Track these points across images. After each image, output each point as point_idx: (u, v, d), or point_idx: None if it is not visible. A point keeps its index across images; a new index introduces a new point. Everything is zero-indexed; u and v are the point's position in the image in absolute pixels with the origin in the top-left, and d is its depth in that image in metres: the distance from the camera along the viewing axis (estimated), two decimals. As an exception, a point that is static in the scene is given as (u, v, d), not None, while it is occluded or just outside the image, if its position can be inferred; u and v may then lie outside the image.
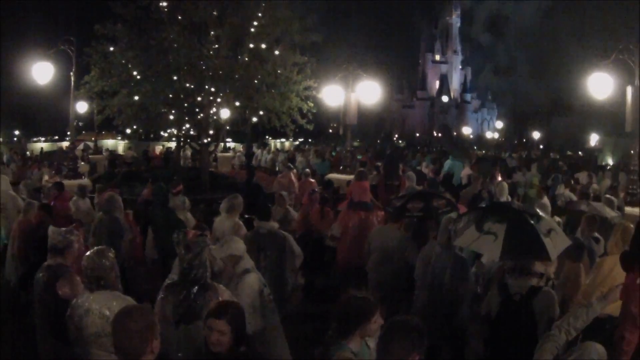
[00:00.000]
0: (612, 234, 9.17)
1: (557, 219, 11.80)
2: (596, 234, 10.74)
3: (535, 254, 7.34)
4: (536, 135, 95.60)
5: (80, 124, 39.00)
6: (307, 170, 23.28)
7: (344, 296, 5.63)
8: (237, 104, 23.32)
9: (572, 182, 22.08)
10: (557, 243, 7.49)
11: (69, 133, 26.33)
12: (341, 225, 13.19)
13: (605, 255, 9.39)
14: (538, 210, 8.05)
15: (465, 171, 22.21)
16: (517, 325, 6.90)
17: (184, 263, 6.51)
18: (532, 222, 7.50)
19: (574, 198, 17.50)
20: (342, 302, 5.47)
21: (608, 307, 6.73)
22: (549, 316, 6.79)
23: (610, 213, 12.36)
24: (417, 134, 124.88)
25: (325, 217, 14.09)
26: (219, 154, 36.51)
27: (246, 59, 22.02)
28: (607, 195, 15.55)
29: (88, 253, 6.38)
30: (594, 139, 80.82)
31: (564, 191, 19.17)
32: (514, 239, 7.31)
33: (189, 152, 33.93)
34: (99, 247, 6.63)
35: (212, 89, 22.22)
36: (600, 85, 19.39)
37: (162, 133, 45.99)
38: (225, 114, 24.65)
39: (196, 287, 6.44)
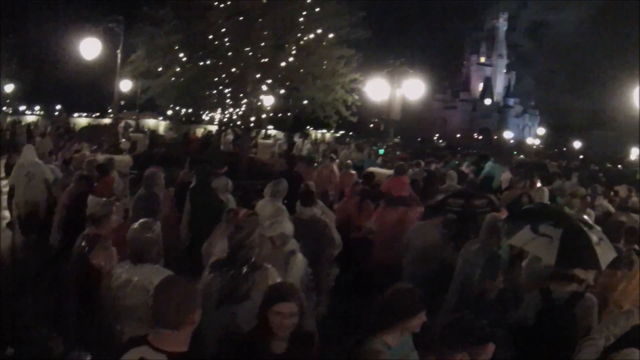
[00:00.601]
0: None
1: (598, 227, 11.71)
2: (636, 246, 10.63)
3: (589, 263, 7.35)
4: (576, 145, 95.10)
5: (123, 102, 39.30)
6: (349, 162, 23.23)
7: (392, 287, 5.44)
8: (282, 92, 23.38)
9: (612, 194, 21.86)
10: (605, 252, 7.46)
11: (110, 110, 26.57)
12: (378, 219, 13.09)
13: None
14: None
15: (505, 175, 22.10)
16: (557, 330, 6.85)
17: (233, 242, 6.53)
18: (585, 229, 7.48)
19: (612, 210, 17.34)
20: (389, 292, 5.35)
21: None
22: (588, 322, 6.76)
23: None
24: (458, 135, 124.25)
25: (364, 210, 14.03)
26: (260, 141, 36.50)
27: (293, 48, 22.03)
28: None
29: (134, 225, 6.44)
30: (634, 153, 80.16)
31: (602, 202, 18.96)
32: (570, 245, 7.28)
33: (230, 137, 34.02)
34: (145, 219, 6.65)
35: (257, 76, 22.25)
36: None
37: (203, 117, 46.10)
38: (268, 101, 24.72)
39: (245, 267, 6.44)
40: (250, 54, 21.60)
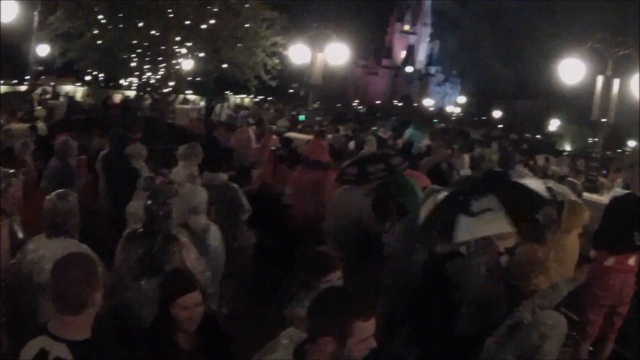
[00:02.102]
0: (565, 213, 9.10)
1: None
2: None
3: (538, 204, 7.15)
4: (498, 114, 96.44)
5: (40, 68, 38.33)
6: (272, 126, 23.02)
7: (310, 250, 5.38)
8: (202, 55, 23.04)
9: (532, 162, 22.10)
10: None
11: (27, 77, 25.90)
12: (295, 183, 12.92)
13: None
14: None
15: (426, 141, 22.10)
16: (431, 290, 6.81)
17: (149, 212, 6.22)
18: (513, 180, 7.30)
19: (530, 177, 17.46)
20: (307, 255, 5.29)
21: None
22: (460, 284, 6.66)
23: (571, 196, 12.23)
24: (378, 102, 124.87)
25: (279, 175, 13.89)
26: (178, 106, 36.00)
27: (215, 9, 21.68)
28: (570, 179, 15.53)
29: (49, 196, 6.06)
30: (554, 125, 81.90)
31: (521, 170, 19.12)
32: (514, 201, 7.08)
33: (147, 102, 33.46)
34: (61, 190, 6.24)
35: (178, 38, 21.87)
36: (571, 71, 19.58)
37: (122, 82, 45.34)
38: (188, 65, 24.37)
39: (160, 238, 6.13)
40: (171, 15, 21.19)
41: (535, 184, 7.07)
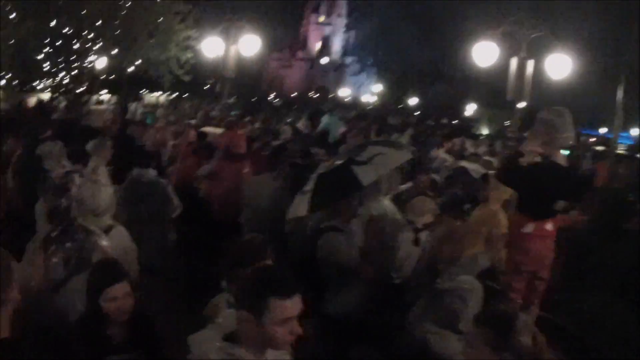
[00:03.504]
0: (490, 187, 9.28)
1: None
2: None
3: (344, 190, 7.29)
4: (414, 101, 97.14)
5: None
6: (191, 121, 22.88)
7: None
8: (115, 51, 22.82)
9: (449, 145, 22.32)
10: (383, 164, 7.43)
11: None
12: (213, 176, 12.85)
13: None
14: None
15: (341, 129, 22.18)
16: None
17: (50, 205, 6.09)
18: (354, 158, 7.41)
19: (449, 159, 17.66)
20: (234, 246, 5.17)
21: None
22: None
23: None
24: (294, 94, 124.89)
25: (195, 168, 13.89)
26: (92, 107, 35.55)
27: (127, 4, 21.49)
28: (485, 157, 15.78)
29: None
30: (471, 109, 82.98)
31: (439, 153, 19.34)
32: (323, 186, 7.19)
33: (62, 104, 32.97)
34: None
35: (91, 35, 21.62)
36: (485, 53, 19.88)
37: (38, 86, 44.61)
38: (101, 63, 24.11)
39: (79, 234, 5.94)
40: (84, 11, 20.90)
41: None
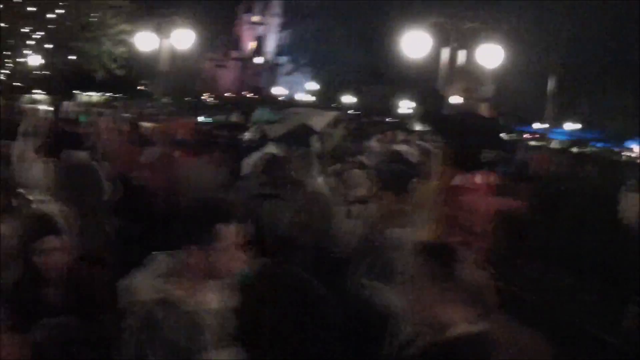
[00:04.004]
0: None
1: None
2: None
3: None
4: (347, 99, 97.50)
5: None
6: (125, 115, 22.74)
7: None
8: (49, 46, 22.56)
9: (381, 136, 22.55)
10: (295, 118, 7.68)
11: None
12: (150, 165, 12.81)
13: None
14: None
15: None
16: None
17: None
18: None
19: (378, 149, 17.92)
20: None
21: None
22: None
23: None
24: (228, 94, 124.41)
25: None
26: (25, 106, 35.01)
27: (61, -1, 21.28)
28: (419, 142, 15.98)
29: None
30: (404, 106, 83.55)
31: (370, 143, 19.63)
32: None
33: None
34: None
35: (26, 30, 21.32)
36: (416, 44, 20.00)
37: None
38: (35, 60, 23.84)
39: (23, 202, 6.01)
40: (18, 4, 20.64)
41: None
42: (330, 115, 10.24)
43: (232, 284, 3.55)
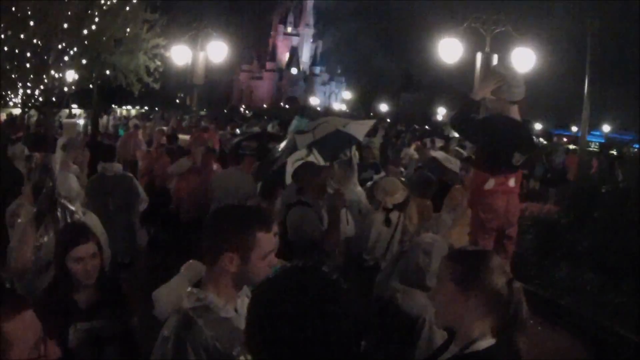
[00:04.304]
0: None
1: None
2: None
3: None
4: (384, 108, 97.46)
5: None
6: (163, 128, 22.97)
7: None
8: (84, 61, 22.75)
9: (419, 143, 22.61)
10: (323, 130, 7.74)
11: None
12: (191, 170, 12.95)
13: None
14: None
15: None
16: None
17: (35, 182, 6.23)
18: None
19: (417, 155, 17.92)
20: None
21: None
22: None
23: (453, 162, 12.55)
24: (265, 105, 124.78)
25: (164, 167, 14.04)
26: (64, 120, 35.27)
27: (96, 13, 21.48)
28: (456, 148, 15.97)
29: None
30: (441, 113, 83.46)
31: (408, 151, 19.66)
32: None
33: (34, 119, 32.69)
34: None
35: (60, 46, 21.55)
36: (450, 50, 20.01)
37: (9, 100, 44.28)
38: (71, 75, 24.04)
39: (64, 212, 6.15)
40: (54, 21, 20.86)
41: None
42: (369, 123, 10.22)
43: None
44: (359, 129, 9.48)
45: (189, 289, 3.51)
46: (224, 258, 3.48)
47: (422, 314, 4.82)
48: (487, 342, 3.31)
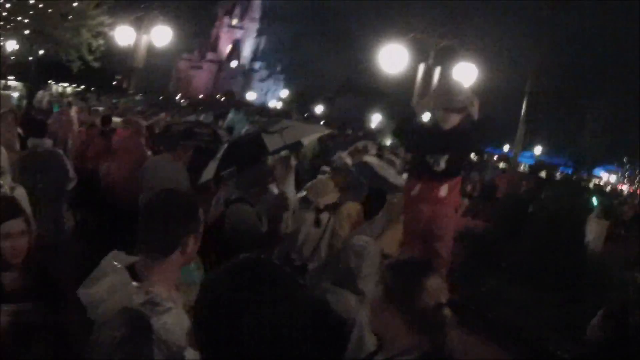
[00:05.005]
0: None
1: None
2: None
3: (253, 155, 7.63)
4: (319, 109, 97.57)
5: None
6: (98, 109, 22.69)
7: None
8: (27, 32, 22.33)
9: (352, 149, 22.66)
10: (291, 135, 7.68)
11: None
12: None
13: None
14: None
15: (246, 127, 22.26)
16: None
17: None
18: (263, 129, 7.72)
19: (349, 161, 17.99)
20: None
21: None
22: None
23: (387, 170, 12.55)
24: (201, 96, 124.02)
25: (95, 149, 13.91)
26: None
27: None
28: (389, 156, 16.00)
29: None
30: (376, 120, 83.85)
31: (341, 153, 19.75)
32: (233, 152, 7.36)
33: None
34: None
35: (4, 14, 21.11)
36: (393, 58, 20.06)
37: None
38: (10, 46, 23.64)
39: None
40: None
41: None
42: (322, 130, 10.27)
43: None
44: (311, 136, 9.50)
45: (134, 283, 3.39)
46: (182, 245, 3.46)
47: (352, 315, 4.83)
48: (410, 358, 3.31)
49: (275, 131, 7.49)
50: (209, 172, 7.62)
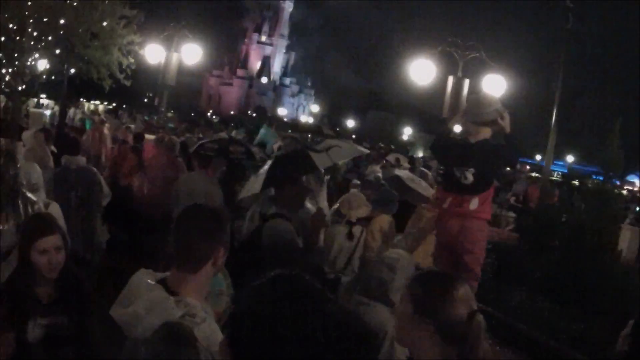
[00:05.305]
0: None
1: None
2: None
3: (301, 168, 7.44)
4: (351, 124, 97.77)
5: None
6: (131, 126, 22.89)
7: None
8: (58, 51, 22.57)
9: (384, 161, 22.67)
10: (338, 155, 7.64)
11: None
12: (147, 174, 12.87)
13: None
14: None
15: (278, 143, 22.29)
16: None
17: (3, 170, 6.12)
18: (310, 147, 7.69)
19: (381, 174, 18.04)
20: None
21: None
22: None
23: (418, 183, 12.56)
24: (232, 112, 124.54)
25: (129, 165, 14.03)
26: (31, 110, 34.85)
27: (74, 4, 21.32)
28: (422, 168, 16.03)
29: None
30: (407, 133, 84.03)
31: (373, 167, 19.72)
32: (279, 166, 7.31)
33: (2, 104, 32.30)
34: None
35: (35, 33, 21.33)
36: (422, 72, 20.06)
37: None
38: (43, 65, 23.88)
39: (25, 201, 6.06)
40: (29, 3, 20.65)
41: None
42: (363, 152, 10.26)
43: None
44: (347, 155, 9.55)
45: (171, 297, 3.39)
46: (213, 257, 3.51)
47: (384, 328, 4.82)
48: None
49: (322, 150, 7.48)
50: (253, 187, 7.57)
